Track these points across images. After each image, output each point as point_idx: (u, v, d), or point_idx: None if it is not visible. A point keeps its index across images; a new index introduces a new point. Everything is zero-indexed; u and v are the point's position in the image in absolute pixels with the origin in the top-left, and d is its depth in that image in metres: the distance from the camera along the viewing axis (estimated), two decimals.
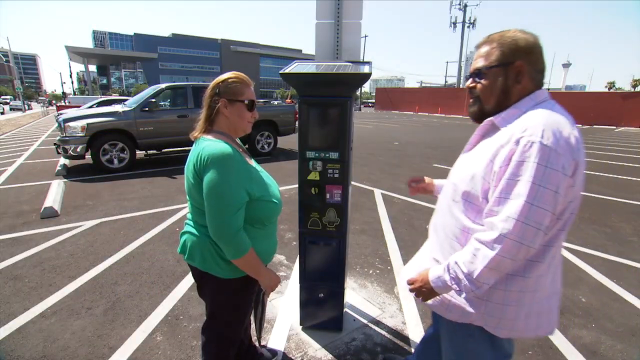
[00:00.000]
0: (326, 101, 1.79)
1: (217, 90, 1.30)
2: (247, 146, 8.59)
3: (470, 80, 1.08)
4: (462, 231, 1.03)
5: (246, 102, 1.33)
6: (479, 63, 1.05)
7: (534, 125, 0.89)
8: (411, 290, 1.11)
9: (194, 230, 1.34)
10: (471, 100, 1.10)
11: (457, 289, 0.97)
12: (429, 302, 1.12)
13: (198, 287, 1.49)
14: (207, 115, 1.32)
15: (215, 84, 1.32)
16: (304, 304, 2.16)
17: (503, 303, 0.99)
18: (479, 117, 1.08)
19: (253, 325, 1.68)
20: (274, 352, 1.98)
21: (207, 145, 1.23)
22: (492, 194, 0.93)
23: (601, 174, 7.42)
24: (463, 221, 1.03)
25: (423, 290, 1.06)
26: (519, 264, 0.93)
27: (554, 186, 0.85)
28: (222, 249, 1.26)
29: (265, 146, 8.84)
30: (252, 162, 1.42)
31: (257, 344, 1.85)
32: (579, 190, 0.93)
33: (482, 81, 1.04)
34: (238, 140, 1.45)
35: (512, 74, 1.00)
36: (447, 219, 1.10)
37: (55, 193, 4.98)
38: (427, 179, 1.52)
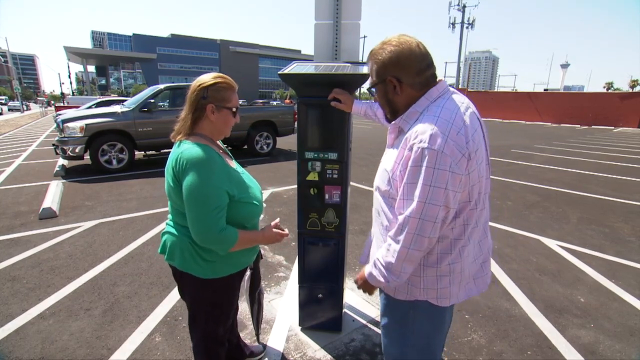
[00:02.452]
0: (325, 102, 1.79)
1: (205, 94, 1.27)
2: (245, 147, 8.62)
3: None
4: (392, 222, 1.14)
5: (233, 109, 1.33)
6: (369, 81, 1.17)
7: (423, 131, 0.97)
8: (358, 288, 1.25)
9: (173, 231, 1.34)
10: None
11: (384, 281, 1.09)
12: (383, 287, 1.22)
13: (179, 288, 1.49)
14: (192, 119, 1.29)
15: (202, 87, 1.27)
16: (303, 305, 2.16)
17: (437, 275, 1.11)
18: (389, 121, 1.20)
19: (251, 324, 1.69)
20: (260, 349, 2.00)
21: (185, 149, 1.23)
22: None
23: (599, 174, 7.44)
24: (391, 214, 1.14)
25: (366, 286, 1.20)
26: (426, 251, 1.05)
27: (443, 184, 0.95)
28: (211, 248, 1.27)
29: (265, 147, 8.84)
30: (234, 164, 1.42)
31: (246, 341, 1.89)
32: (478, 174, 1.03)
33: (375, 96, 1.17)
34: (219, 142, 1.45)
35: (390, 88, 1.09)
36: (380, 209, 1.20)
37: (53, 194, 4.97)
38: (346, 98, 1.70)
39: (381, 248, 1.10)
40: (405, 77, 1.05)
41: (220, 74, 1.32)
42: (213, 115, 1.29)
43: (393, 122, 1.13)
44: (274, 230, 1.43)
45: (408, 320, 1.22)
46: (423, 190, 0.96)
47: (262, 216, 1.52)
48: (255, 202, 1.37)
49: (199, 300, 1.42)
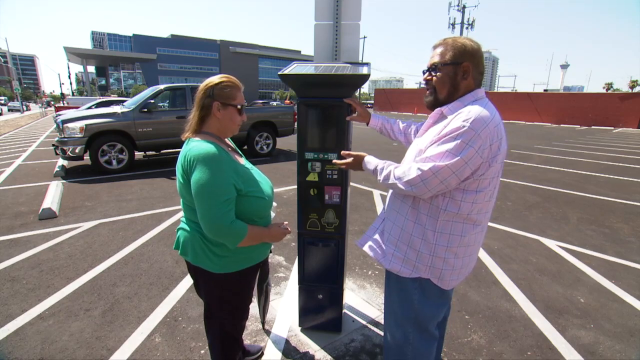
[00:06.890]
0: (325, 102, 1.79)
1: (211, 93, 1.33)
2: (245, 147, 8.61)
3: (427, 73, 1.30)
4: (414, 200, 1.29)
5: (238, 106, 1.38)
6: (436, 59, 1.26)
7: (470, 111, 1.14)
8: (343, 157, 1.48)
9: (186, 227, 1.40)
10: (427, 92, 1.32)
11: (371, 170, 1.36)
12: (386, 265, 1.35)
13: (194, 283, 1.53)
14: (199, 116, 1.35)
15: (208, 86, 1.33)
16: (303, 305, 2.16)
17: (444, 257, 1.25)
18: (433, 106, 1.30)
19: (257, 311, 1.73)
20: (256, 348, 2.02)
21: (194, 146, 1.28)
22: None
23: (599, 174, 7.45)
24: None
25: (352, 164, 1.45)
26: (411, 195, 1.23)
27: (467, 159, 1.11)
28: (222, 242, 1.30)
29: (264, 147, 8.84)
30: (242, 161, 1.46)
31: (245, 341, 1.92)
32: (498, 170, 1.20)
33: (438, 74, 1.26)
34: (228, 140, 1.49)
35: (460, 72, 1.23)
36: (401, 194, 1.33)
37: (53, 194, 4.96)
38: (363, 110, 1.76)
39: (397, 167, 1.26)
40: (475, 69, 1.23)
41: (227, 75, 1.39)
42: (219, 113, 1.34)
43: (438, 109, 1.25)
44: (279, 228, 1.48)
45: (408, 296, 1.34)
46: (448, 157, 1.12)
47: (273, 215, 1.54)
48: (263, 196, 1.40)
49: (213, 295, 1.46)
